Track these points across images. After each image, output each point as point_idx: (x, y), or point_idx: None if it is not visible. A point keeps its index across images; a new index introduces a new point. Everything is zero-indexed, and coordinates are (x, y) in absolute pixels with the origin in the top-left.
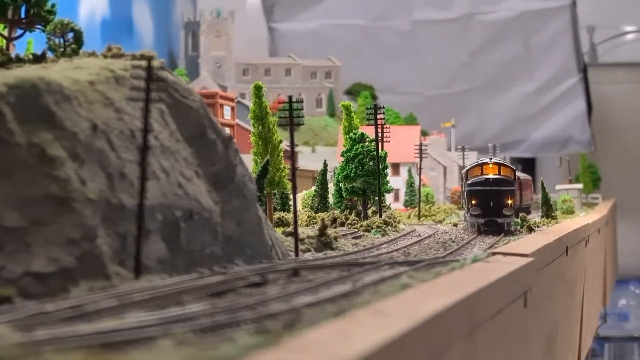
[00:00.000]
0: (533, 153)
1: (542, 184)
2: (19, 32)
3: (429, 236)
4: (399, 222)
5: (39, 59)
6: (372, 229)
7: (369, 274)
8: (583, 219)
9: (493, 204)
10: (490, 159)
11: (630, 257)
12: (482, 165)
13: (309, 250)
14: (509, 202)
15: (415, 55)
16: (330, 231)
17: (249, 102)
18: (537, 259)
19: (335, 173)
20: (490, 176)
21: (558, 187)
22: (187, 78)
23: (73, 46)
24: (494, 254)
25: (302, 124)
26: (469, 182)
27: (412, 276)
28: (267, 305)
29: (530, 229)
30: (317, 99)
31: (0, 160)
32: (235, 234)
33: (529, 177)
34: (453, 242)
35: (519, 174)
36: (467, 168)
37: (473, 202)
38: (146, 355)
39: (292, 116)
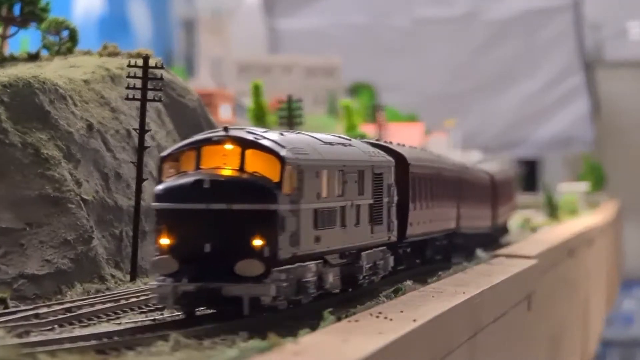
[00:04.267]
0: (536, 152)
1: (546, 184)
2: (14, 30)
3: None
4: None
5: (33, 57)
6: None
7: None
8: (587, 219)
9: (213, 249)
10: (226, 128)
11: (637, 258)
12: (199, 146)
13: None
14: (259, 242)
15: (417, 54)
16: None
17: (248, 101)
18: (541, 261)
19: None
20: (208, 176)
21: (562, 187)
22: (185, 77)
23: (68, 44)
24: (497, 255)
25: (302, 123)
26: (157, 189)
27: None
28: None
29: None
30: (317, 98)
31: None
32: None
33: (512, 174)
34: None
35: (490, 167)
36: (165, 153)
37: (162, 241)
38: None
39: (291, 115)
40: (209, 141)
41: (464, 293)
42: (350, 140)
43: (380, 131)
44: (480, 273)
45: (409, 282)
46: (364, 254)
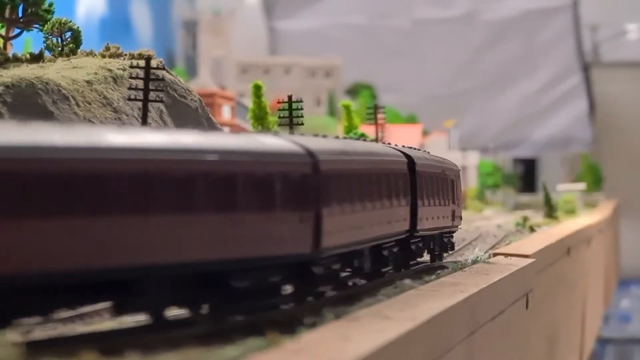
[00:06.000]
0: (535, 152)
1: (544, 184)
2: (17, 31)
3: None
4: None
5: (36, 58)
6: None
7: None
8: (585, 219)
9: None
10: None
11: (634, 257)
12: None
13: None
14: None
15: (417, 54)
16: None
17: (249, 102)
18: (538, 259)
19: None
20: None
21: (560, 187)
22: (186, 77)
23: (71, 45)
24: (495, 254)
25: (302, 124)
26: None
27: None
28: None
29: (532, 229)
30: (317, 98)
31: None
32: None
33: (452, 167)
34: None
35: (418, 153)
36: None
37: None
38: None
39: (292, 116)
40: None
41: (462, 291)
42: None
43: (380, 132)
44: (478, 271)
45: (407, 281)
46: None
